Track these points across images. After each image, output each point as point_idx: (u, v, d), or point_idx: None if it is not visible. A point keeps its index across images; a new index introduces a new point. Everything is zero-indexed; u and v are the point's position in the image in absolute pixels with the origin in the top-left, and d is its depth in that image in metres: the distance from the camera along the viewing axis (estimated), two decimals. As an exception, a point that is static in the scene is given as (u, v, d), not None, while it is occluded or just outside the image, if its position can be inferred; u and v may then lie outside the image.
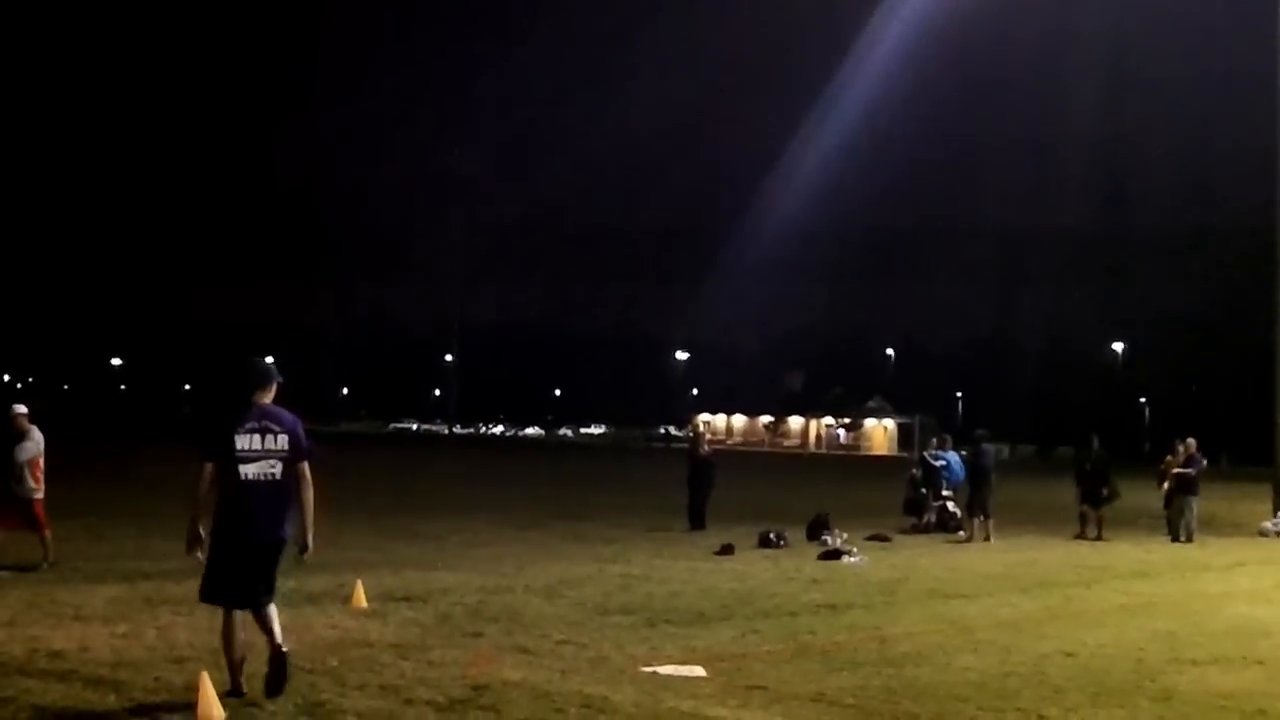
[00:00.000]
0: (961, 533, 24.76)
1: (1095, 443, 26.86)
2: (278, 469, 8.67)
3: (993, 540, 23.51)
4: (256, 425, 8.65)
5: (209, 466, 8.56)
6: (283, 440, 8.70)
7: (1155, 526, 26.64)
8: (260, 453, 8.61)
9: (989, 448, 25.75)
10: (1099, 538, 24.61)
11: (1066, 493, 26.84)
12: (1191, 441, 26.45)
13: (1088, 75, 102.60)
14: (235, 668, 8.65)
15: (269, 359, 9.27)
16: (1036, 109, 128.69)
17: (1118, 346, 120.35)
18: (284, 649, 8.63)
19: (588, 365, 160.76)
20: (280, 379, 9.03)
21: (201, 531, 8.57)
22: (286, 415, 8.87)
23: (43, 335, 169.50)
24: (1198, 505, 25.88)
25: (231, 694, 8.48)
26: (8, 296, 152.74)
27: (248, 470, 8.55)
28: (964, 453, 26.57)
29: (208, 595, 8.77)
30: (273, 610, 8.77)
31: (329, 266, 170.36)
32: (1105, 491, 25.42)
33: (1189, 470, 25.83)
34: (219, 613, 8.86)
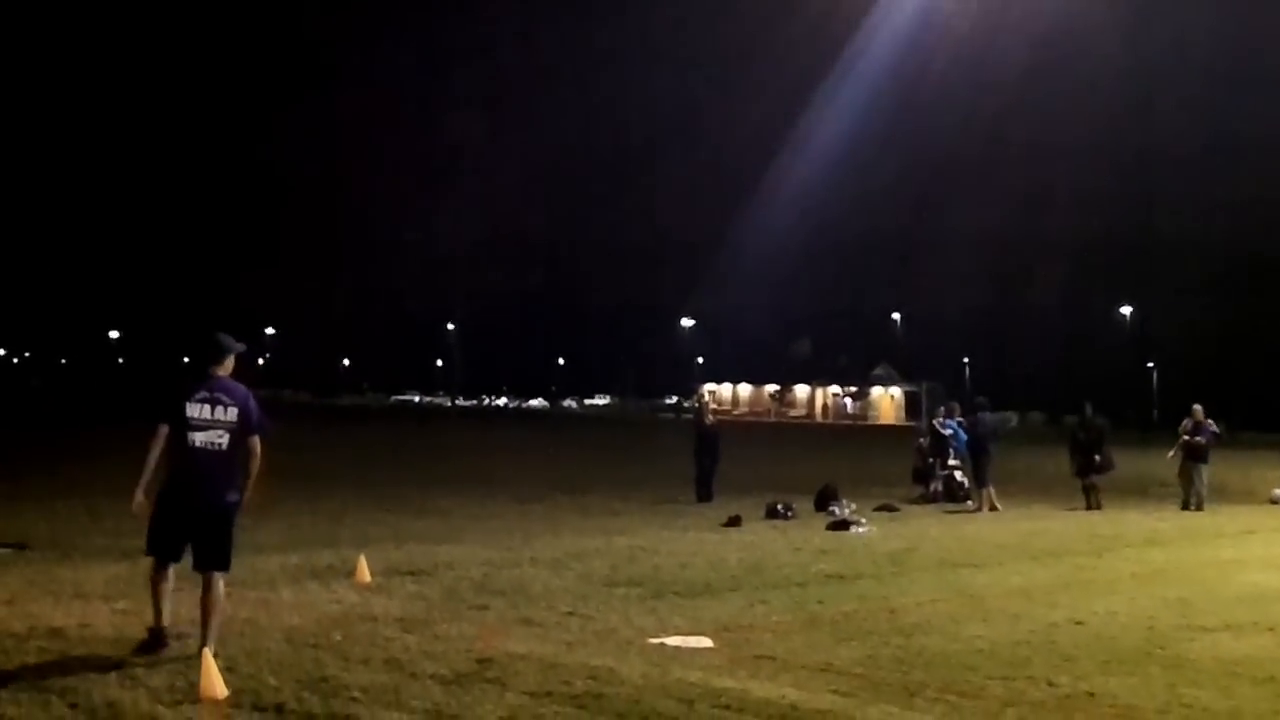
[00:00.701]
0: (970, 502, 24.68)
1: (1089, 410, 26.67)
2: (225, 440, 9.05)
3: (1000, 509, 23.42)
4: (208, 396, 9.07)
5: (162, 429, 9.02)
6: (232, 412, 9.08)
7: (1166, 495, 26.54)
8: (209, 422, 9.02)
9: (986, 415, 25.49)
10: (1095, 507, 24.29)
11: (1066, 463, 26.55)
12: (1199, 409, 26.30)
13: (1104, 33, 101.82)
14: (159, 612, 9.08)
15: (228, 335, 9.52)
16: (1057, 68, 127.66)
17: (1126, 310, 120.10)
18: (207, 646, 8.57)
19: (592, 336, 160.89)
20: (240, 349, 9.43)
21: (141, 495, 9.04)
22: (239, 389, 9.25)
23: (40, 309, 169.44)
24: (1208, 473, 25.76)
25: (152, 632, 9.04)
26: (4, 270, 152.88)
27: (195, 438, 8.98)
28: (960, 420, 26.39)
29: (149, 548, 9.17)
30: (219, 588, 9.13)
31: (331, 238, 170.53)
32: (1098, 460, 25.04)
33: (1198, 438, 25.70)
34: None
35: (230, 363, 9.31)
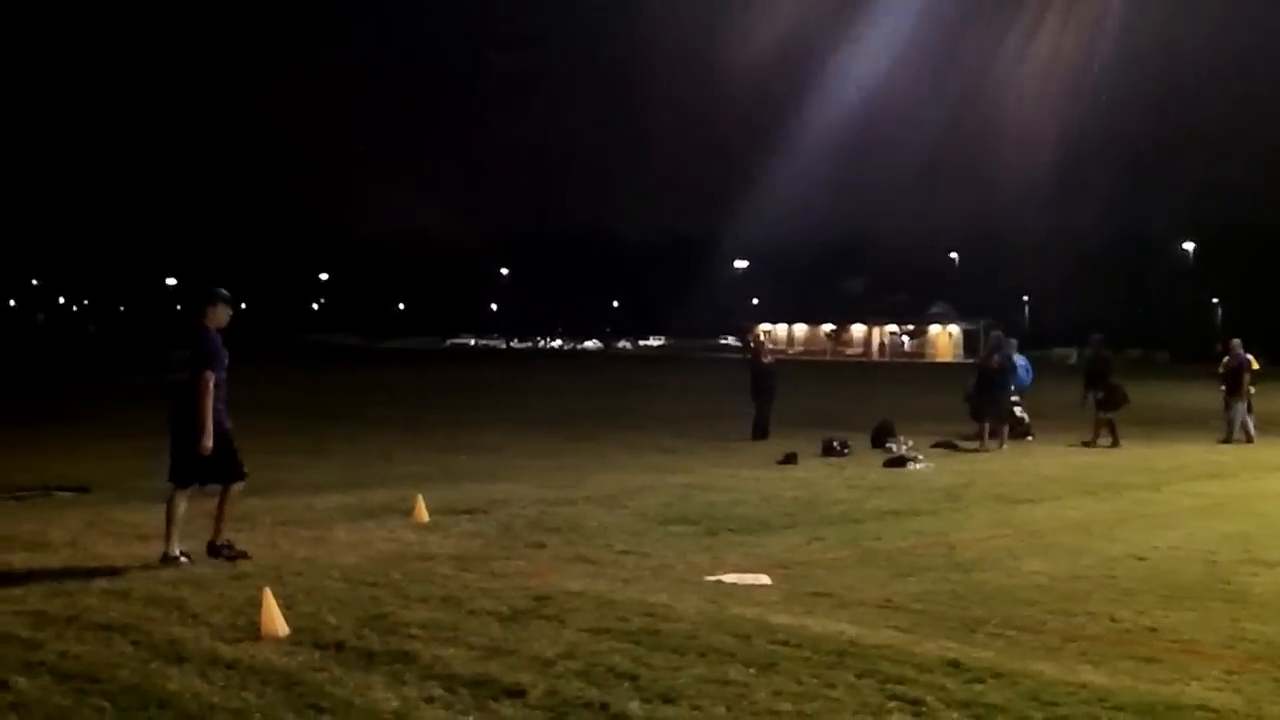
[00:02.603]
0: (1029, 437, 24.51)
1: (1094, 342, 26.27)
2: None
3: (1005, 447, 22.64)
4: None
5: (211, 376, 10.44)
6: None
7: (1218, 428, 26.21)
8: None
9: (1006, 351, 24.68)
10: (1090, 443, 23.63)
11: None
12: (1236, 342, 26.00)
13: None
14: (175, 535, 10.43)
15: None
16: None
17: (1189, 246, 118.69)
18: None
19: (645, 277, 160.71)
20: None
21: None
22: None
23: (99, 257, 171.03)
24: (1243, 404, 25.39)
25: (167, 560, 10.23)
26: (64, 220, 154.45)
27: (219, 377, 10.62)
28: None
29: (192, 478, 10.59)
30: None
31: (384, 179, 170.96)
32: (1100, 395, 24.24)
33: (1237, 371, 25.40)
34: (276, 529, 11.36)
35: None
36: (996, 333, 26.12)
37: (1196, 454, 22.33)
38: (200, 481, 10.58)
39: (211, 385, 10.38)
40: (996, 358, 23.98)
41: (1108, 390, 24.24)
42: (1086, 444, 23.65)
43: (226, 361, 10.74)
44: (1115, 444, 23.51)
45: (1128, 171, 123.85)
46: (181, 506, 10.41)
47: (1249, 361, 25.69)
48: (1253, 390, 25.70)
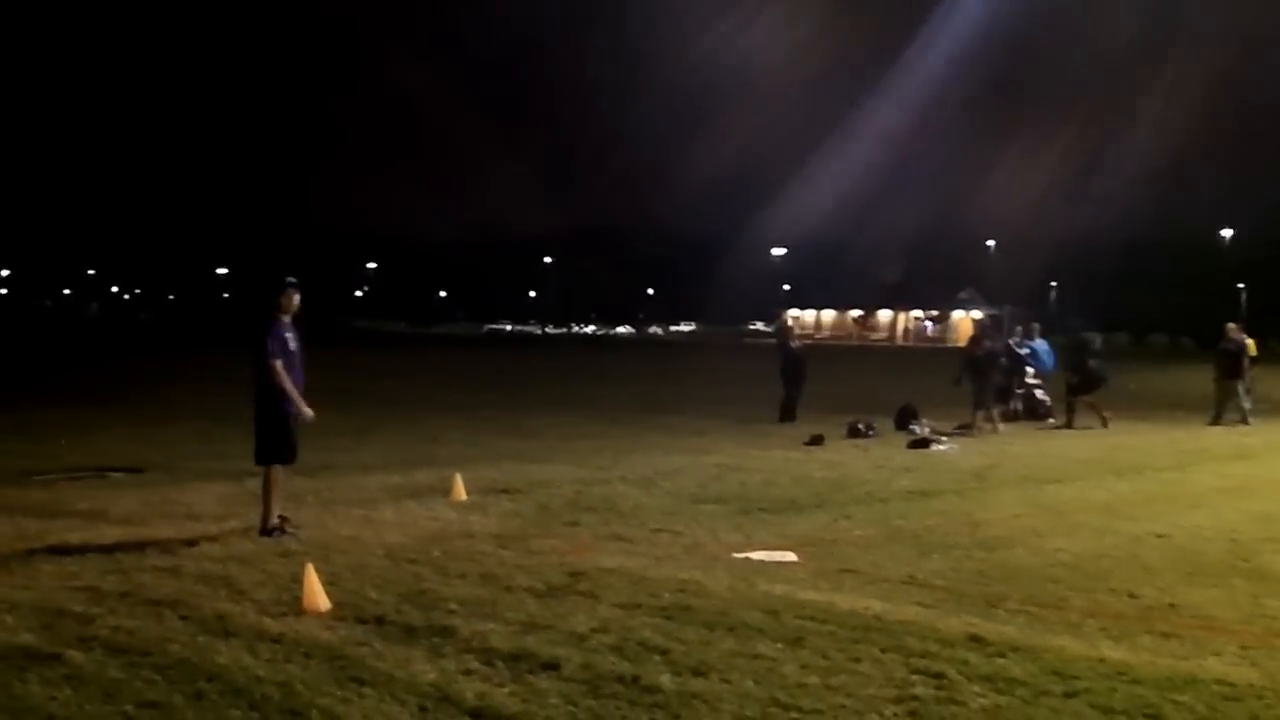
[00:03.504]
0: (1051, 420, 24.59)
1: (1077, 327, 26.17)
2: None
3: (999, 429, 22.58)
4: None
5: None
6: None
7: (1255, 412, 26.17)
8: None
9: (1000, 333, 24.44)
10: (1066, 425, 23.55)
11: (1150, 380, 26.16)
12: (1233, 326, 26.05)
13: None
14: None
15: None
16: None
17: (1226, 233, 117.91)
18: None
19: (678, 264, 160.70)
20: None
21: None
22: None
23: (150, 247, 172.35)
24: (1242, 388, 25.42)
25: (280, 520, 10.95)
26: (118, 211, 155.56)
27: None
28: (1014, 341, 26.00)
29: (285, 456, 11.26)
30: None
31: (427, 171, 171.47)
32: (1076, 379, 24.22)
33: (1234, 355, 25.41)
34: (322, 510, 11.97)
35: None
36: (984, 320, 25.90)
37: (1224, 436, 22.37)
38: (281, 460, 11.19)
39: (279, 368, 10.94)
40: (987, 344, 23.71)
41: (1083, 375, 24.22)
42: (1061, 427, 23.65)
43: (295, 347, 11.19)
44: (1066, 425, 23.63)
45: (1165, 159, 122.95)
46: (278, 480, 11.17)
47: (1246, 346, 25.73)
48: (1252, 374, 25.83)
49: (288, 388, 10.97)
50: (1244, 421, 24.72)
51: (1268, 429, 23.92)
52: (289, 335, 11.15)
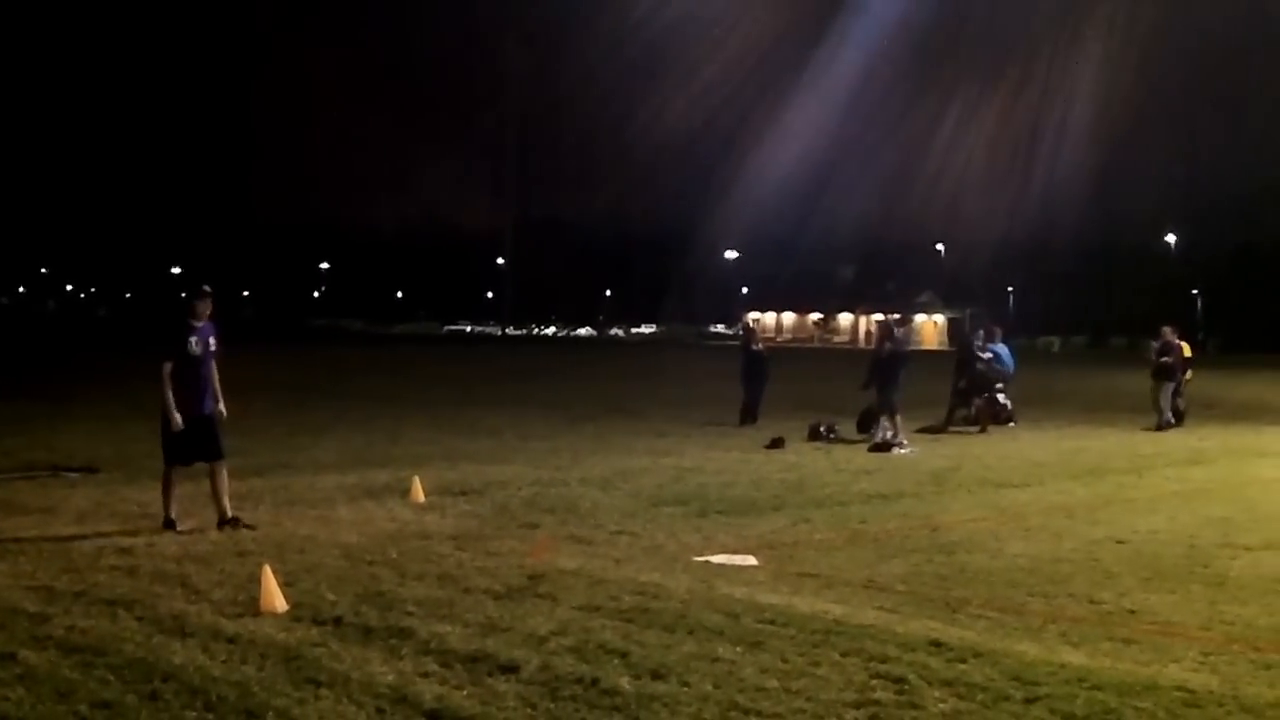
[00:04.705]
0: (1011, 423, 24.67)
1: (964, 329, 26.21)
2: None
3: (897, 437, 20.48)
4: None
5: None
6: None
7: (1205, 416, 26.32)
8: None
9: (900, 335, 24.28)
10: (941, 429, 23.30)
11: (1107, 383, 26.31)
12: (1168, 329, 26.23)
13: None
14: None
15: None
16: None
17: (1171, 239, 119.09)
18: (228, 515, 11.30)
19: (637, 266, 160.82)
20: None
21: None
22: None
23: (105, 246, 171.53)
24: (1183, 389, 25.63)
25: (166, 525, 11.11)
26: (70, 207, 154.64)
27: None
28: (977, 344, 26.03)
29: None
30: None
31: (384, 168, 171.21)
32: (963, 382, 24.09)
33: (1166, 358, 25.58)
34: (279, 509, 12.06)
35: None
36: (888, 320, 24.92)
37: (1181, 440, 22.50)
38: (182, 461, 11.47)
39: (167, 373, 11.24)
40: (888, 345, 22.38)
41: (970, 377, 24.09)
42: (936, 430, 23.11)
43: (201, 351, 11.39)
44: (941, 429, 23.38)
45: (1110, 161, 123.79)
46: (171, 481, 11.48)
47: (1180, 348, 25.91)
48: (1188, 376, 26.08)
49: (167, 394, 11.19)
50: (1177, 424, 24.86)
51: (1223, 433, 24.06)
52: (194, 339, 11.35)
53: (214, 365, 11.57)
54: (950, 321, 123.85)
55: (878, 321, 25.31)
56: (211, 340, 11.55)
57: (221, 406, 11.57)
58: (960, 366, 24.51)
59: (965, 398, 24.03)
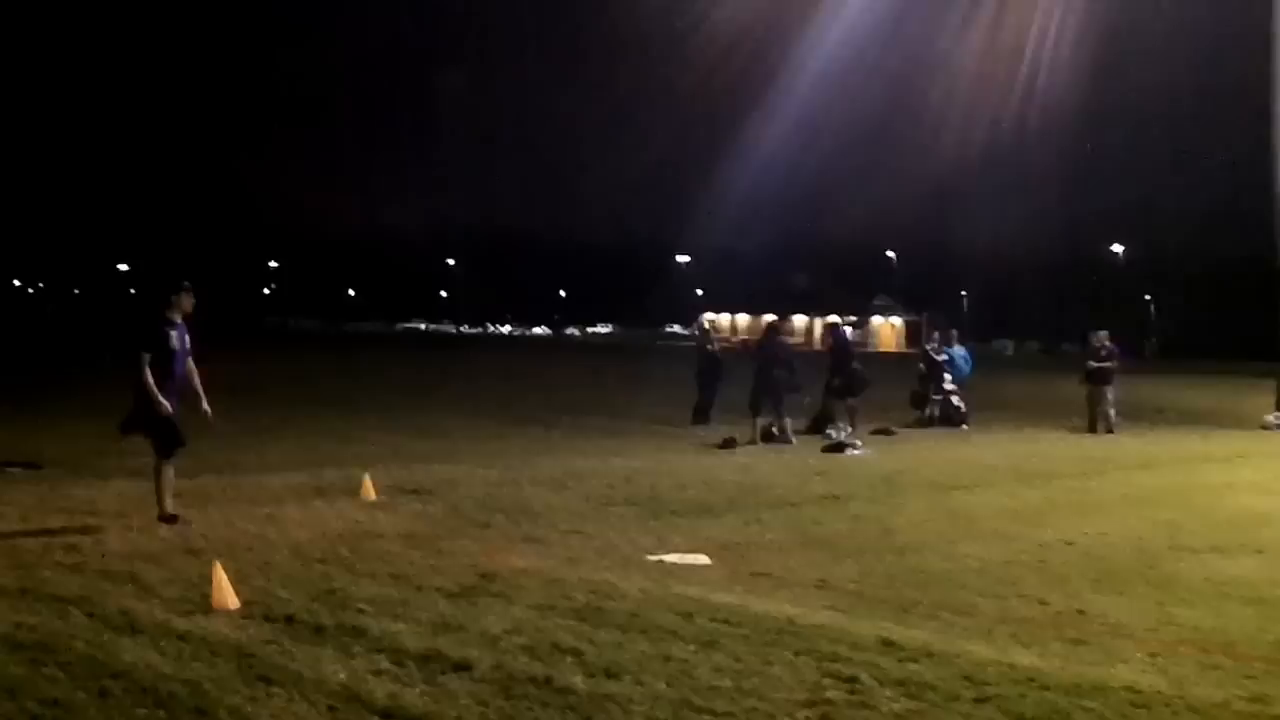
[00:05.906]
0: (965, 426, 24.83)
1: (831, 327, 26.31)
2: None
3: (759, 441, 20.68)
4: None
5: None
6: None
7: (1161, 421, 26.62)
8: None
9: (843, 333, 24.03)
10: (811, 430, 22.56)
11: (1060, 388, 26.44)
12: (1103, 334, 26.46)
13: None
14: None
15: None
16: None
17: (1117, 248, 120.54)
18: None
19: (591, 269, 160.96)
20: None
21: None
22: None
23: (51, 242, 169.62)
24: (1113, 395, 25.77)
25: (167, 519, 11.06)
26: (16, 202, 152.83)
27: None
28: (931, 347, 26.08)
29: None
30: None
31: (336, 169, 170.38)
32: (838, 381, 23.34)
33: (1105, 364, 25.81)
34: (229, 508, 12.04)
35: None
36: (774, 320, 24.48)
37: (1131, 445, 22.71)
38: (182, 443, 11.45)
39: (146, 362, 11.12)
40: (766, 348, 22.21)
41: (846, 376, 23.42)
42: (809, 430, 22.44)
43: (178, 346, 11.33)
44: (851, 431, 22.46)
45: (1063, 172, 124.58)
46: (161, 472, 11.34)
47: (1115, 353, 26.14)
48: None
49: (148, 380, 11.08)
50: (1108, 429, 25.09)
51: (1172, 438, 24.34)
52: (173, 333, 11.32)
53: (192, 364, 11.55)
54: (908, 324, 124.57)
55: (826, 323, 25.26)
56: (187, 339, 11.49)
57: (206, 406, 11.51)
58: (835, 367, 23.65)
59: (841, 396, 23.27)
